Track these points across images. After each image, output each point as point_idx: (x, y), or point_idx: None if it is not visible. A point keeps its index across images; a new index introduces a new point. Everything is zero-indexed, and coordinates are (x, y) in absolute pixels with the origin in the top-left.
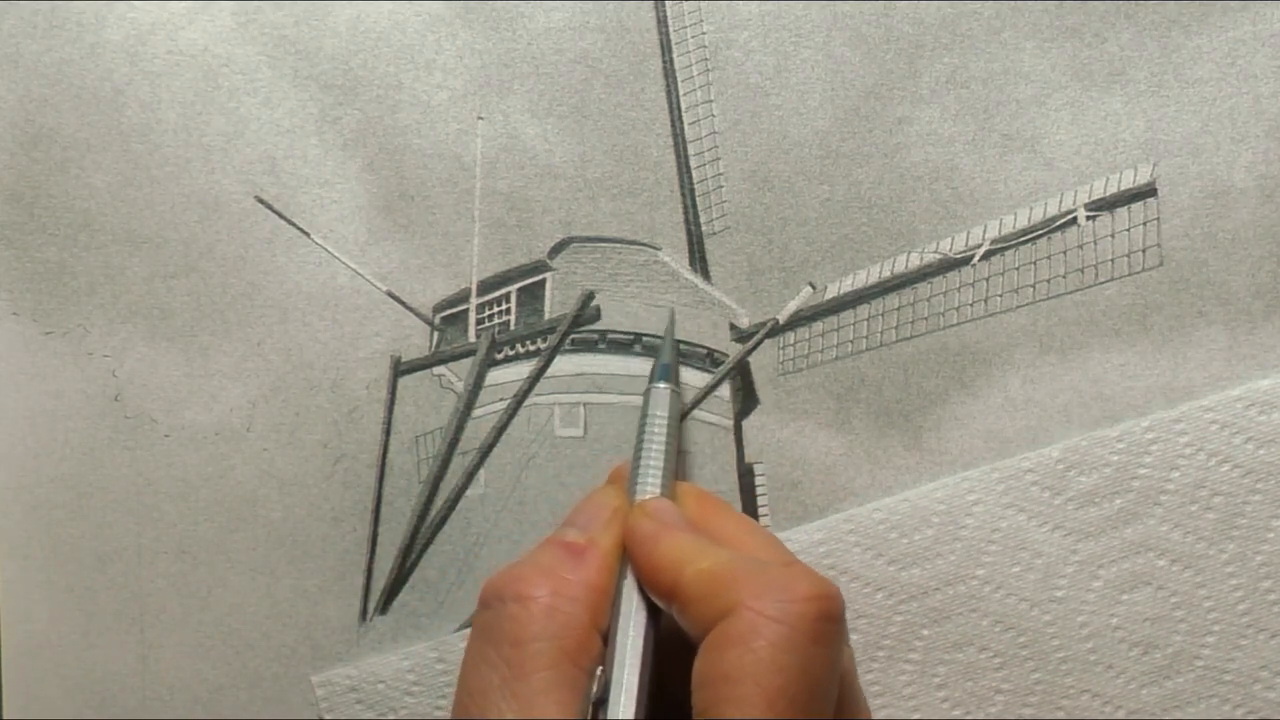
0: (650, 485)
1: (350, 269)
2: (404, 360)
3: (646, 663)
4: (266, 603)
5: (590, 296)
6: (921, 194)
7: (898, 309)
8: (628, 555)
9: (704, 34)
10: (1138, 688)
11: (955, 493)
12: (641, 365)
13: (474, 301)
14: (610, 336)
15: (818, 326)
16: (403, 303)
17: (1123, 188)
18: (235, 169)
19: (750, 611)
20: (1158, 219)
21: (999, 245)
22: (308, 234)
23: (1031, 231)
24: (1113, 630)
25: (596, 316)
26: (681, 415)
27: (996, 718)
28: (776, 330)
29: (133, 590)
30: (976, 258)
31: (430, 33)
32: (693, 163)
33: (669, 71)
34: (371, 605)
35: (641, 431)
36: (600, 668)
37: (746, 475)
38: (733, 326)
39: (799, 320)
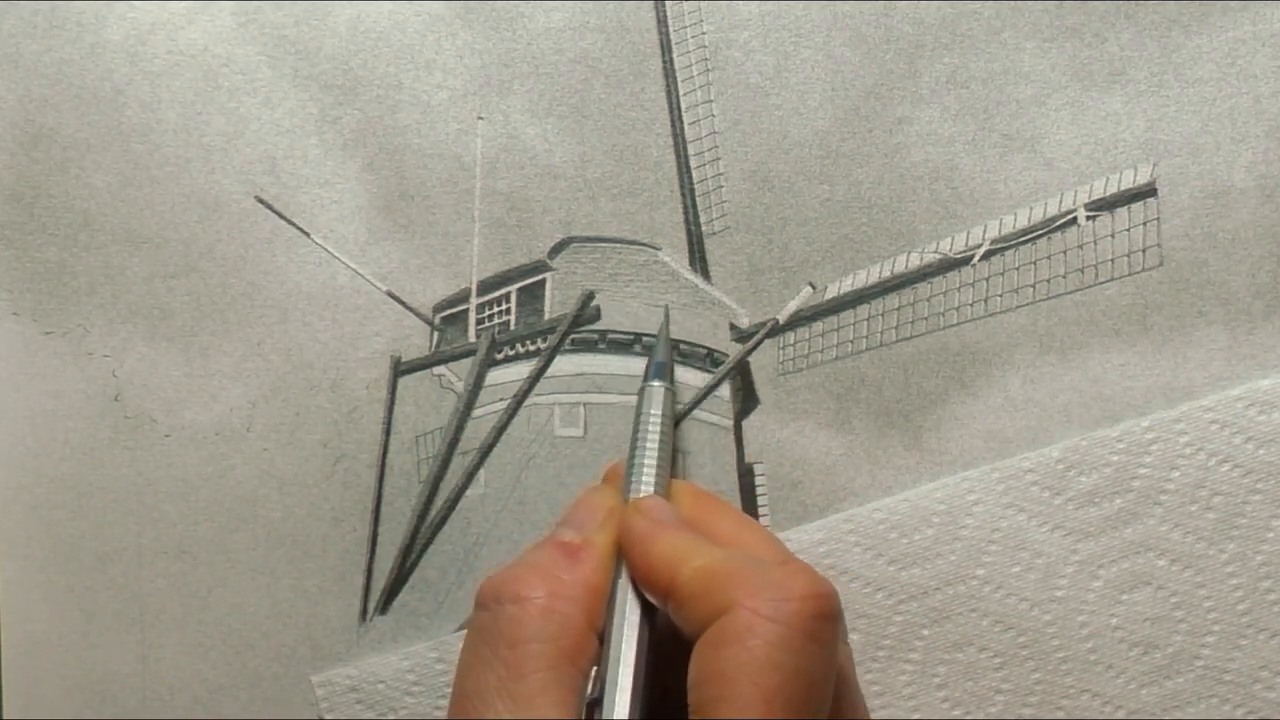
0: (645, 484)
1: (350, 269)
2: (404, 360)
3: (642, 662)
4: (266, 603)
5: (590, 296)
6: (921, 194)
7: (898, 309)
8: (623, 554)
9: (704, 34)
10: (1138, 688)
11: (955, 493)
12: (641, 365)
13: (474, 301)
14: (610, 336)
15: (818, 326)
16: (403, 303)
17: (1123, 188)
18: (235, 169)
19: (746, 610)
20: (1158, 219)
21: (999, 245)
22: (308, 234)
23: (1031, 231)
24: (1113, 630)
25: (596, 316)
26: (682, 415)
27: (996, 718)
28: (776, 330)
29: (133, 590)
30: (976, 258)
31: (430, 33)
32: (693, 163)
33: (669, 71)
34: (371, 605)
35: (636, 430)
36: (596, 667)
37: (746, 475)
38: (733, 326)
39: (799, 320)
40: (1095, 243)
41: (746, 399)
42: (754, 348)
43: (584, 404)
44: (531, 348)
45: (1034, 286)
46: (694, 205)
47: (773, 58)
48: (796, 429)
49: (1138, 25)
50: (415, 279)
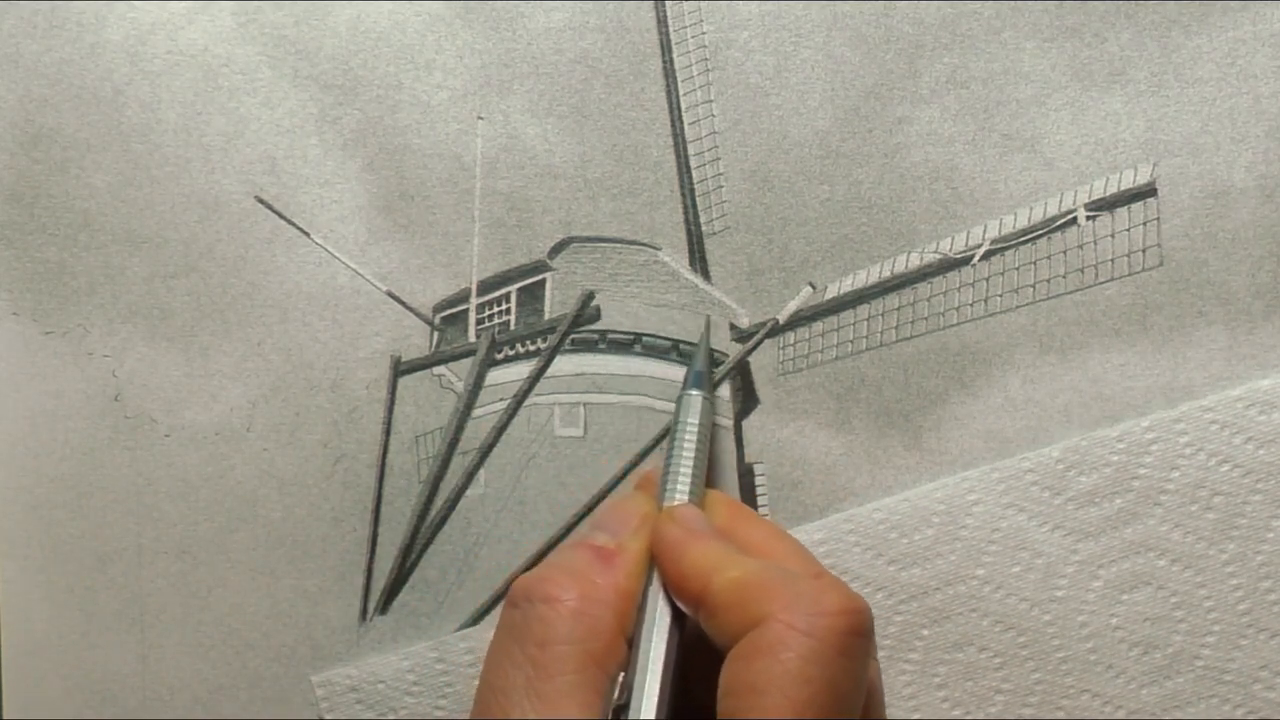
0: (680, 492)
1: (350, 269)
2: (404, 360)
3: (670, 669)
4: (266, 603)
5: (590, 296)
6: (921, 194)
7: (898, 309)
8: (655, 561)
9: (704, 34)
10: (1138, 688)
11: (955, 493)
12: (641, 365)
13: (474, 301)
14: (610, 336)
15: (818, 326)
16: (403, 303)
17: (1123, 188)
18: (235, 169)
19: (780, 624)
20: (1158, 219)
21: (999, 245)
22: (308, 234)
23: (1031, 231)
24: (1113, 630)
25: (596, 316)
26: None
27: (996, 718)
28: (776, 330)
29: (133, 590)
30: (976, 258)
31: (430, 33)
32: (693, 163)
33: (669, 71)
34: (371, 605)
35: (673, 438)
36: (623, 672)
37: (746, 475)
38: (733, 326)
39: (799, 320)
40: (1095, 243)
41: (746, 399)
42: (754, 348)
43: (584, 404)
44: (531, 348)
45: (1034, 286)
46: (694, 205)
47: (773, 58)
48: (796, 429)
49: (1138, 25)
50: (415, 279)
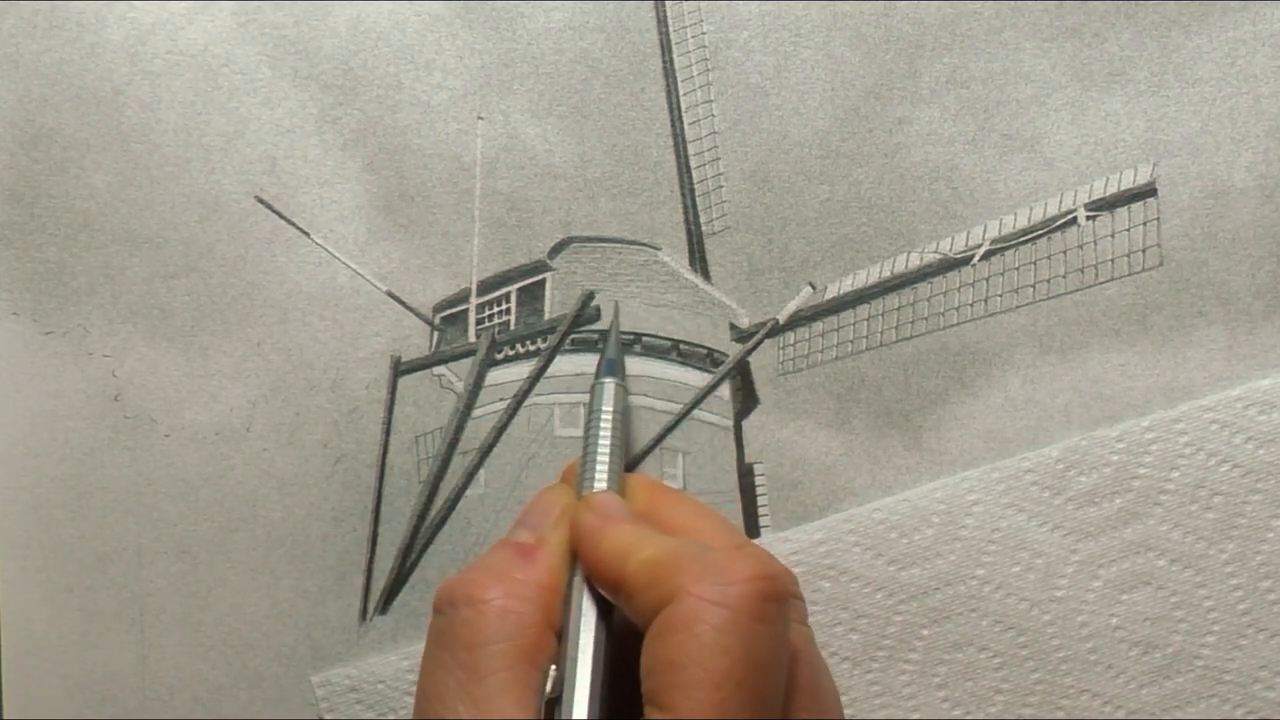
0: (598, 480)
1: (350, 269)
2: (404, 360)
3: (600, 659)
4: (266, 603)
5: (590, 296)
6: (921, 194)
7: (898, 309)
8: (575, 551)
9: (704, 34)
10: (1138, 688)
11: (955, 493)
12: (641, 365)
13: (474, 301)
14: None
15: (818, 326)
16: (403, 303)
17: (1123, 188)
18: (235, 169)
19: (691, 596)
20: (1158, 219)
21: (999, 245)
22: (308, 234)
23: (1031, 231)
24: (1113, 630)
25: (596, 316)
26: (681, 415)
27: (996, 718)
28: (776, 330)
29: (133, 590)
30: (976, 258)
31: (430, 33)
32: (693, 163)
33: (669, 71)
34: (371, 605)
35: (588, 427)
36: (554, 666)
37: (746, 475)
38: (733, 326)
39: (799, 320)
40: (1095, 243)
41: (746, 399)
42: (754, 348)
43: (584, 404)
44: (531, 348)
45: (1034, 286)
46: (694, 205)
47: (773, 58)
48: (796, 429)
49: (1138, 25)
50: (415, 279)
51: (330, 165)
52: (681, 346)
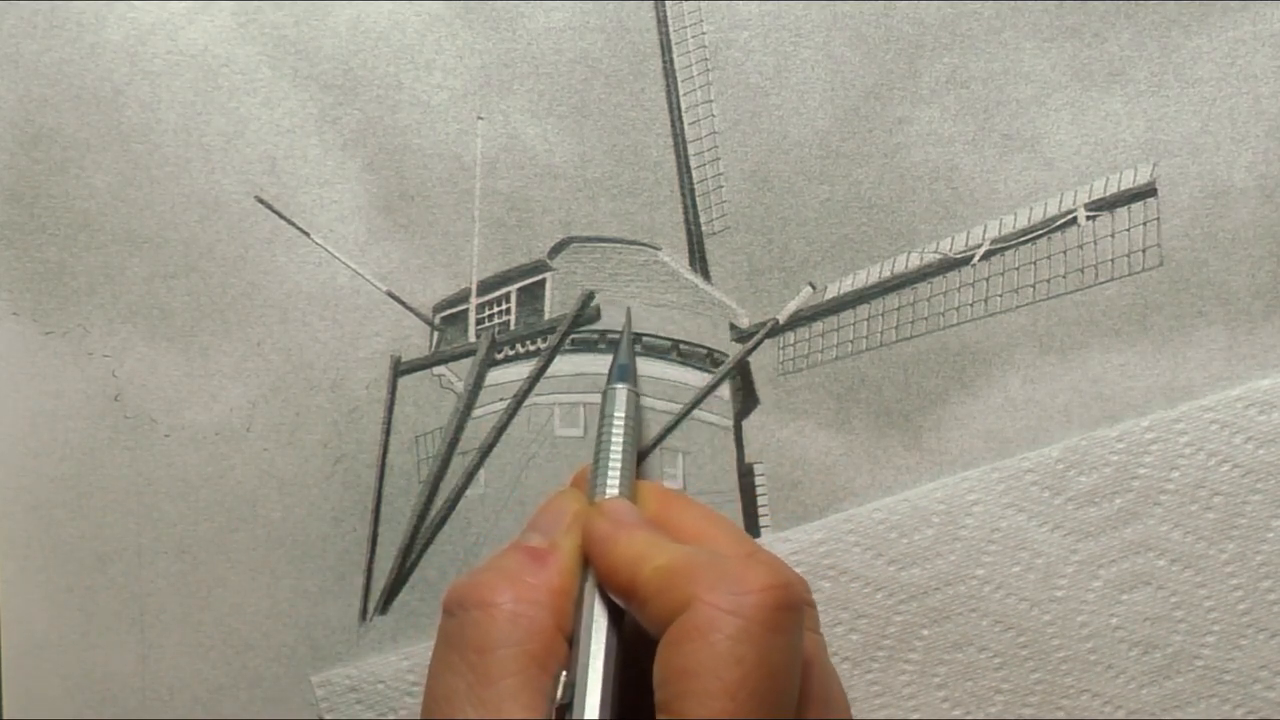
0: (610, 486)
1: (350, 269)
2: (404, 360)
3: (611, 665)
4: (266, 603)
5: (590, 296)
6: (921, 194)
7: (898, 309)
8: (587, 557)
9: (704, 34)
10: (1138, 688)
11: (955, 493)
12: (642, 365)
13: (474, 301)
14: (610, 336)
15: (818, 326)
16: (403, 303)
17: (1123, 188)
18: (235, 169)
19: (705, 605)
20: (1158, 219)
21: (999, 245)
22: (308, 234)
23: (1031, 231)
24: (1113, 630)
25: (596, 316)
26: (681, 415)
27: (996, 718)
28: (776, 330)
29: (133, 590)
30: (976, 258)
31: (430, 33)
32: (693, 163)
33: (669, 71)
34: (371, 605)
35: (600, 433)
36: (565, 672)
37: (746, 475)
38: (733, 326)
39: (799, 320)
40: (1095, 243)
41: (746, 399)
42: (754, 348)
43: (584, 404)
44: (531, 348)
45: (1034, 286)
46: (694, 205)
47: (773, 58)
48: (796, 429)
49: (1138, 25)
50: (415, 279)
51: (330, 165)
52: (681, 346)
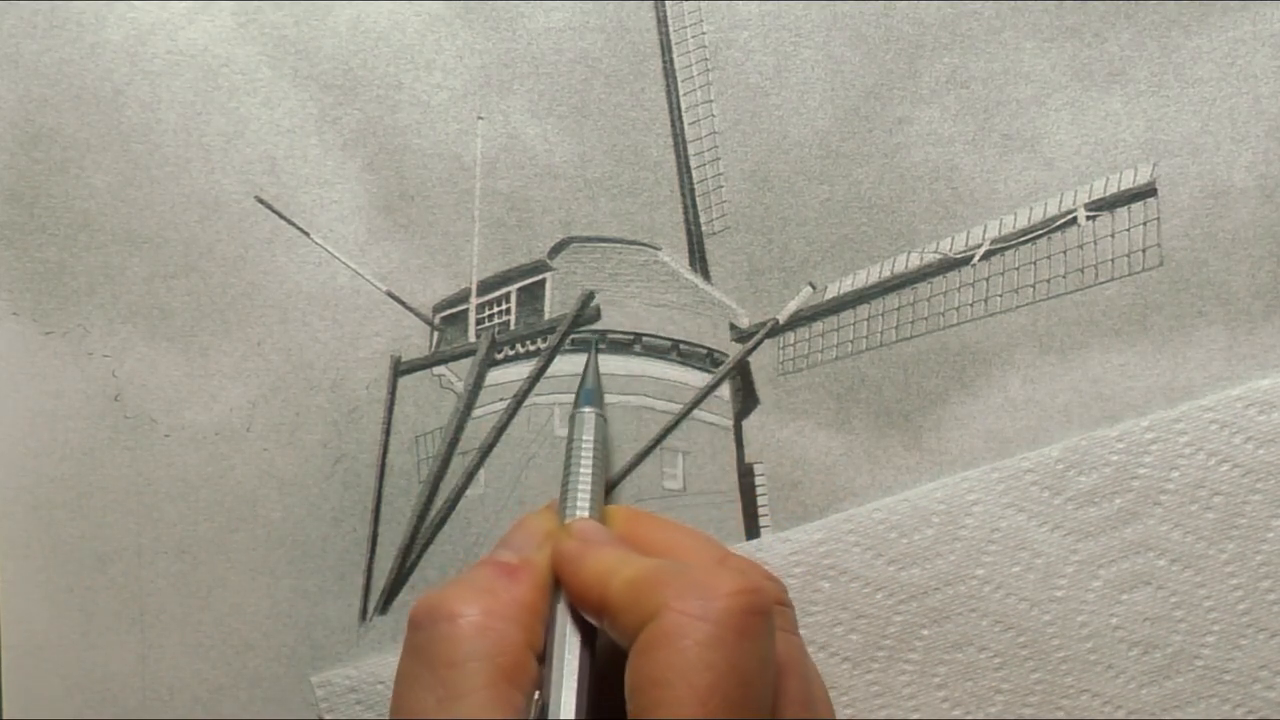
0: (579, 508)
1: (350, 269)
2: (404, 360)
3: (584, 684)
4: (266, 603)
5: (590, 296)
6: (921, 194)
7: (898, 309)
8: (558, 578)
9: (704, 34)
10: (1138, 688)
11: (955, 493)
12: (641, 365)
13: (474, 301)
14: (610, 336)
15: (818, 326)
16: (403, 303)
17: (1123, 188)
18: (235, 169)
19: (674, 612)
20: (1158, 219)
21: (999, 245)
22: (308, 234)
23: (1031, 231)
24: (1113, 630)
25: (596, 316)
26: (682, 415)
27: (996, 718)
28: (776, 330)
29: (133, 590)
30: (976, 258)
31: (430, 33)
32: (693, 163)
33: (669, 71)
34: (371, 605)
35: (569, 456)
36: (537, 692)
37: (746, 475)
38: (733, 326)
39: (799, 320)
40: (1095, 243)
41: (746, 399)
42: (754, 348)
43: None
44: (531, 348)
45: (1034, 286)
46: (694, 205)
47: (773, 58)
48: (796, 429)
49: (1138, 25)
50: (415, 279)
51: (330, 165)
52: (681, 346)
